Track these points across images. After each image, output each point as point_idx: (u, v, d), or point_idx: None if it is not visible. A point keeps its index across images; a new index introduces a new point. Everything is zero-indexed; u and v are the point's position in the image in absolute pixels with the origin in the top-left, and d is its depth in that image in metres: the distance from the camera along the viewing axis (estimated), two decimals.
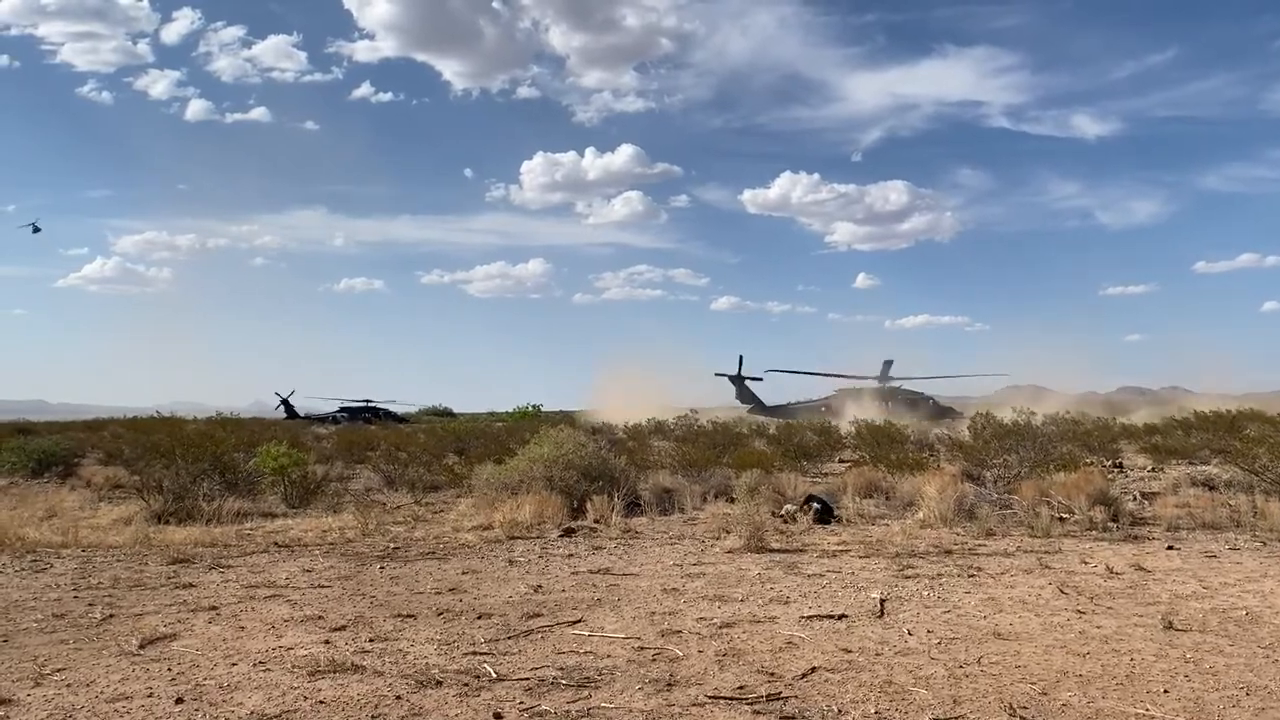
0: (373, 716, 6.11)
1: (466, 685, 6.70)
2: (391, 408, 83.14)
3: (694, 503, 17.27)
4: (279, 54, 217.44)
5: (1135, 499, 17.40)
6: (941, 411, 70.82)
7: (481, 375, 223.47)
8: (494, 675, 6.91)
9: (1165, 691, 6.52)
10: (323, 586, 10.42)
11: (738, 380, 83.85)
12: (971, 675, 6.89)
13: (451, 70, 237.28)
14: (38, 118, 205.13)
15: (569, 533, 14.22)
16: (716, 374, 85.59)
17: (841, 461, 28.17)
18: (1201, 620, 8.56)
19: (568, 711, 6.18)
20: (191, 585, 10.46)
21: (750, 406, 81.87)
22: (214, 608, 9.28)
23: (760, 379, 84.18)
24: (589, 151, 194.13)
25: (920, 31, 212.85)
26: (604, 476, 17.08)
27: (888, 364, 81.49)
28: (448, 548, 13.19)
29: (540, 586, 10.35)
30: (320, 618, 8.84)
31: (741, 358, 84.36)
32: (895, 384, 79.55)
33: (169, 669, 7.13)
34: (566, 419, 48.27)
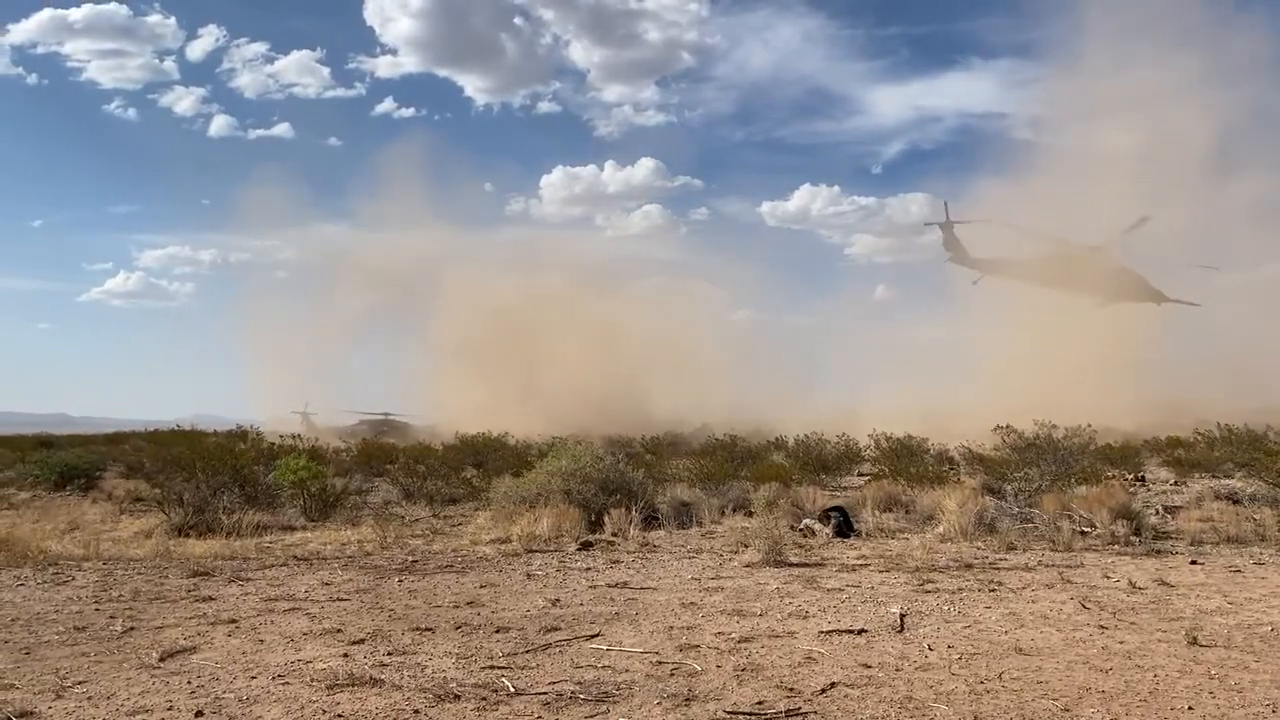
0: None
1: (484, 699, 6.70)
2: (412, 421, 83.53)
3: (712, 516, 17.25)
4: (302, 69, 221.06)
5: (1158, 513, 17.23)
6: (1159, 296, 68.09)
7: None
8: (512, 689, 6.91)
9: (1190, 709, 6.44)
10: (341, 600, 10.46)
11: (947, 225, 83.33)
12: (992, 691, 6.82)
13: (473, 85, 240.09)
14: (63, 134, 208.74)
15: (587, 546, 14.22)
16: (927, 223, 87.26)
17: (861, 475, 28.04)
18: (1226, 636, 8.45)
19: None
20: (211, 598, 10.53)
21: (953, 254, 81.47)
22: (234, 621, 9.33)
23: (967, 221, 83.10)
24: (609, 165, 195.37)
25: (944, 44, 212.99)
26: (622, 489, 17.09)
27: (1143, 221, 73.65)
28: (466, 561, 13.21)
29: (558, 600, 10.34)
30: (339, 631, 8.87)
31: (946, 204, 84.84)
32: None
33: (189, 682, 7.17)
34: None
